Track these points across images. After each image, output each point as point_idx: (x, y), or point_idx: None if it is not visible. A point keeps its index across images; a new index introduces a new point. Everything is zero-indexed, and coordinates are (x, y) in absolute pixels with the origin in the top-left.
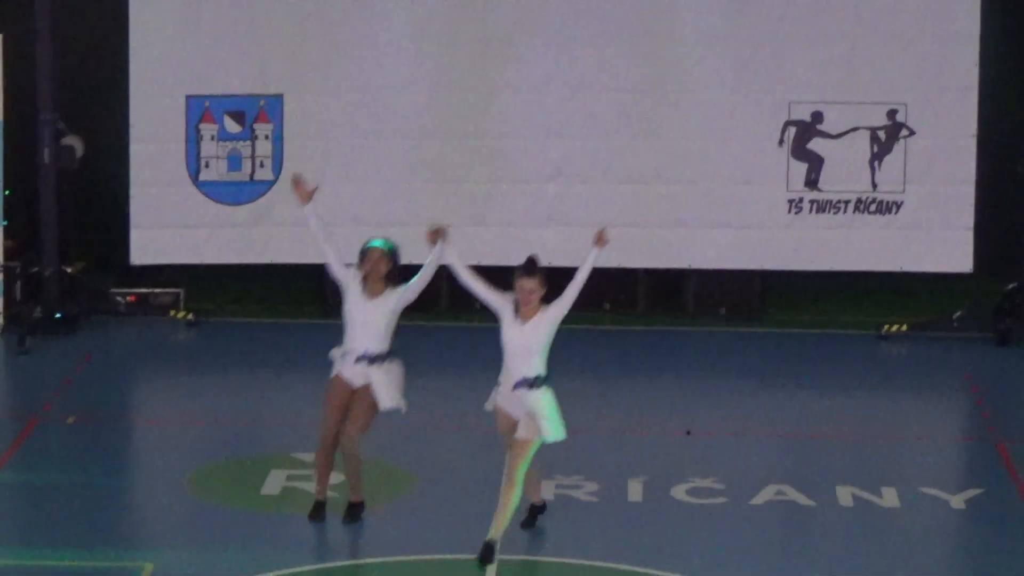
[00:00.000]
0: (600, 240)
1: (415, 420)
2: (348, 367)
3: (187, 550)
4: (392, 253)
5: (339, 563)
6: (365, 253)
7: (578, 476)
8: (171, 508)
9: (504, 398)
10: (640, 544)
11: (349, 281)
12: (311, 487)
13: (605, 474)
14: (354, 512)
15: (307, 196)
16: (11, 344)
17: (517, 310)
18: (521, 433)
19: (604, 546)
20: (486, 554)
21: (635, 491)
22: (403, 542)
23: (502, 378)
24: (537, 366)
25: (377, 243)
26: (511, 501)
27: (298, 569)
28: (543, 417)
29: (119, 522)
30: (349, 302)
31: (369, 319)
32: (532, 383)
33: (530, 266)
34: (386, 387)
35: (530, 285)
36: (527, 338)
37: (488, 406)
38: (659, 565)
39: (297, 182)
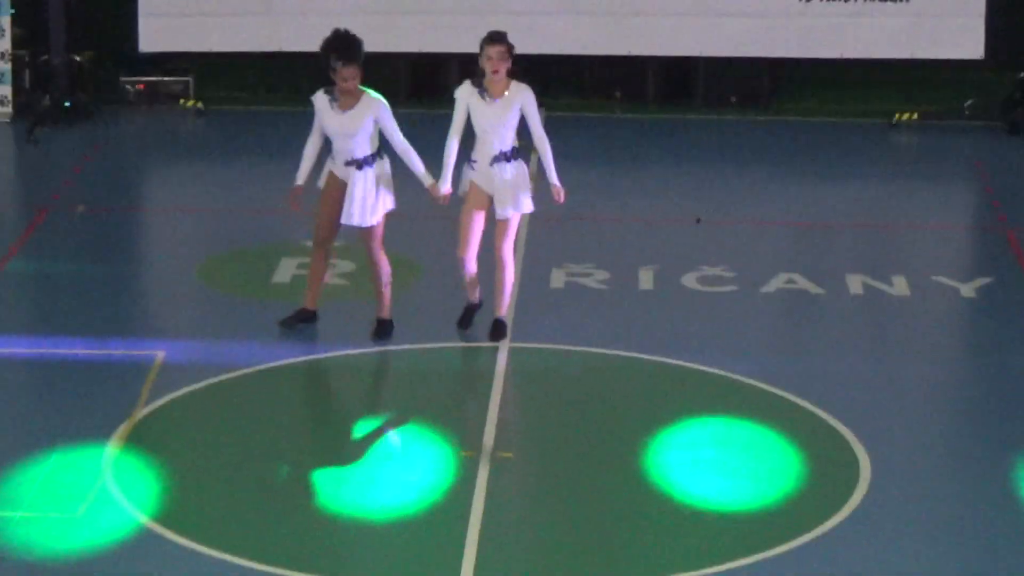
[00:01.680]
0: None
1: (414, 209)
2: (339, 168)
3: (199, 339)
4: (360, 62)
5: (351, 351)
6: (334, 65)
7: (589, 264)
8: (182, 297)
9: (481, 175)
10: (650, 331)
11: (318, 106)
12: None
13: (616, 262)
14: (382, 330)
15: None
16: (21, 133)
17: (482, 92)
18: (507, 212)
19: (614, 333)
20: (499, 330)
21: (646, 279)
22: (415, 331)
23: (476, 156)
24: (512, 139)
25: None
26: (510, 278)
27: (310, 358)
28: (524, 190)
29: (131, 311)
30: (324, 121)
31: (347, 131)
32: (509, 156)
33: (496, 34)
34: (361, 202)
35: (497, 51)
36: (499, 112)
37: (463, 188)
38: (669, 353)
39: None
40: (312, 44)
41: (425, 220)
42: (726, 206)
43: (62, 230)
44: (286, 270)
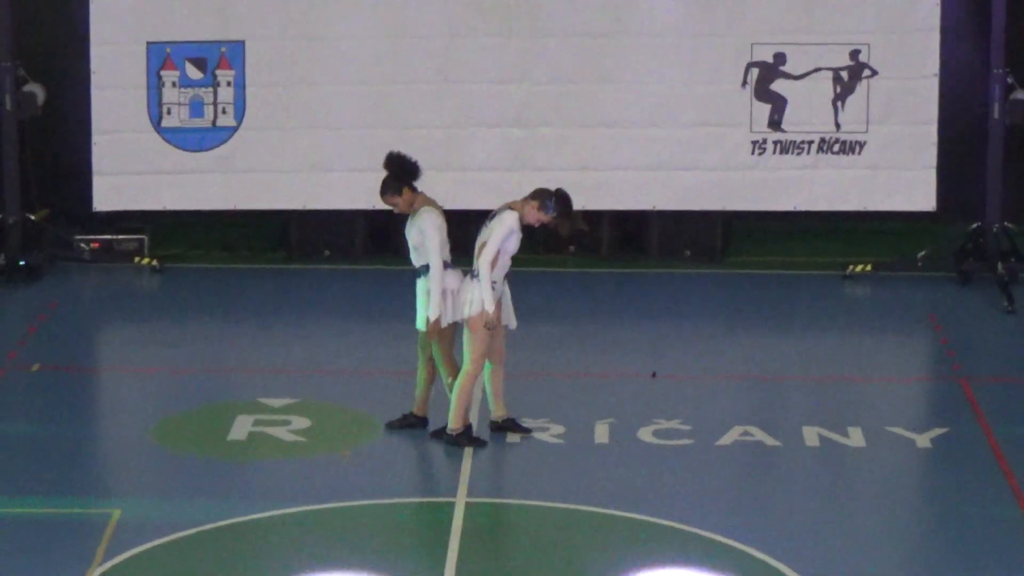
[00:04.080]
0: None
1: (376, 364)
2: None
3: (154, 498)
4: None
5: (307, 507)
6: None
7: (544, 419)
8: (138, 456)
9: (501, 293)
10: (607, 486)
11: None
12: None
13: (571, 417)
14: (404, 421)
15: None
16: None
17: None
18: (513, 321)
19: (571, 488)
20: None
21: (601, 433)
22: (370, 487)
23: (495, 278)
24: None
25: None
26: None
27: (266, 514)
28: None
29: (86, 470)
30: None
31: (407, 240)
32: None
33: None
34: (419, 308)
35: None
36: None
37: (485, 308)
38: (626, 507)
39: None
40: (266, 202)
41: (383, 376)
42: (681, 360)
43: (17, 390)
44: (242, 428)
